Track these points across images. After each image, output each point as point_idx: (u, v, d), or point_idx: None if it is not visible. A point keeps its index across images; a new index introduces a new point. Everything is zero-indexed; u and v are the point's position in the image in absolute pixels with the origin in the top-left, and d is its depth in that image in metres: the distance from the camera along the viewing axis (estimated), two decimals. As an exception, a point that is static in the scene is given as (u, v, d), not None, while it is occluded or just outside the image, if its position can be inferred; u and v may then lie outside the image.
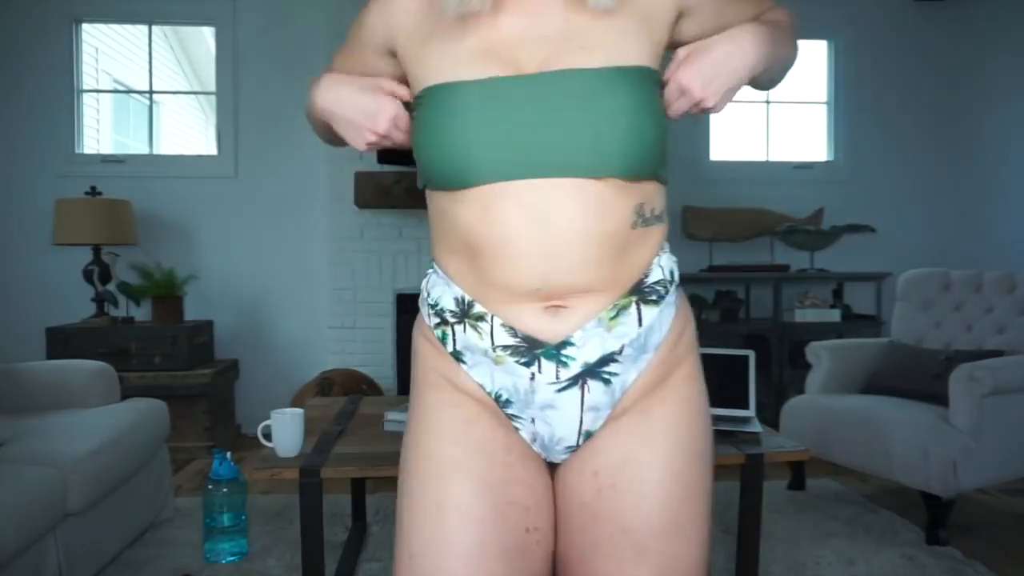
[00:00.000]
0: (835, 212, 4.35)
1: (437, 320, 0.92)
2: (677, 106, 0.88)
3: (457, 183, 0.84)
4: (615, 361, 0.87)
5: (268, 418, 1.84)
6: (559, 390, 0.87)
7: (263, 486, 2.97)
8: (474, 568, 0.83)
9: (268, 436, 1.84)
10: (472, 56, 0.84)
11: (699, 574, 0.89)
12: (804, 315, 4.00)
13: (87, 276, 3.70)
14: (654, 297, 0.89)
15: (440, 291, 0.91)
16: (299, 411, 1.86)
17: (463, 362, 0.91)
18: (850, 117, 4.47)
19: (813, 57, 4.56)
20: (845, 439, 2.68)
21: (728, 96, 0.87)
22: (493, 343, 0.87)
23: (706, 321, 4.02)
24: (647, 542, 0.86)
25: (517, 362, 0.86)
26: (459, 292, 0.89)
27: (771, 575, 2.21)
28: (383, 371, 3.89)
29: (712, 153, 4.43)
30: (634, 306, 0.87)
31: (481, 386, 0.90)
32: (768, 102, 4.50)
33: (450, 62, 0.85)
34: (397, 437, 1.98)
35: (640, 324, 0.87)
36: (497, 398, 0.90)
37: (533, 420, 0.89)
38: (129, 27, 4.58)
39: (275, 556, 2.33)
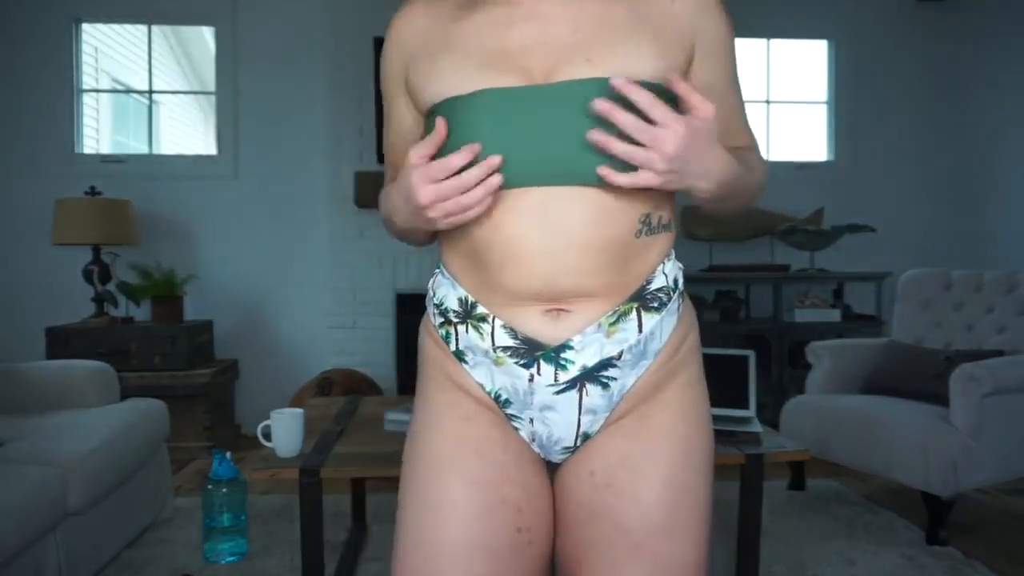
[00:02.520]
0: (835, 212, 4.35)
1: (441, 320, 0.94)
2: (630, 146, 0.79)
3: None
4: (614, 366, 0.88)
5: (268, 418, 1.84)
6: (557, 392, 0.88)
7: (263, 486, 2.97)
8: (462, 566, 0.84)
9: (268, 436, 1.84)
10: (481, 67, 0.85)
11: (697, 575, 0.88)
12: (804, 315, 4.00)
13: (87, 276, 3.70)
14: (655, 304, 0.89)
15: (445, 291, 0.93)
16: (299, 411, 1.86)
17: (464, 361, 0.92)
18: (850, 117, 4.47)
19: (813, 57, 4.56)
20: (845, 439, 2.68)
21: (671, 184, 0.81)
22: (494, 344, 0.88)
23: (706, 321, 4.02)
24: (644, 541, 0.86)
25: (516, 363, 0.87)
26: (463, 293, 0.91)
27: (771, 575, 2.21)
28: (383, 371, 3.89)
29: (712, 153, 4.42)
30: (635, 312, 0.88)
31: (481, 385, 0.91)
32: (768, 102, 4.50)
33: (461, 74, 0.85)
34: (397, 437, 1.99)
35: (640, 330, 0.88)
36: (497, 398, 0.91)
37: (532, 420, 0.90)
38: (129, 27, 4.57)
39: (275, 556, 2.33)
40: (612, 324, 0.86)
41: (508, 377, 0.89)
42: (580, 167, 0.81)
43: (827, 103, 4.54)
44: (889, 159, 4.50)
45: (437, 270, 0.97)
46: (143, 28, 4.25)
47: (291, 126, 4.08)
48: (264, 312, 4.13)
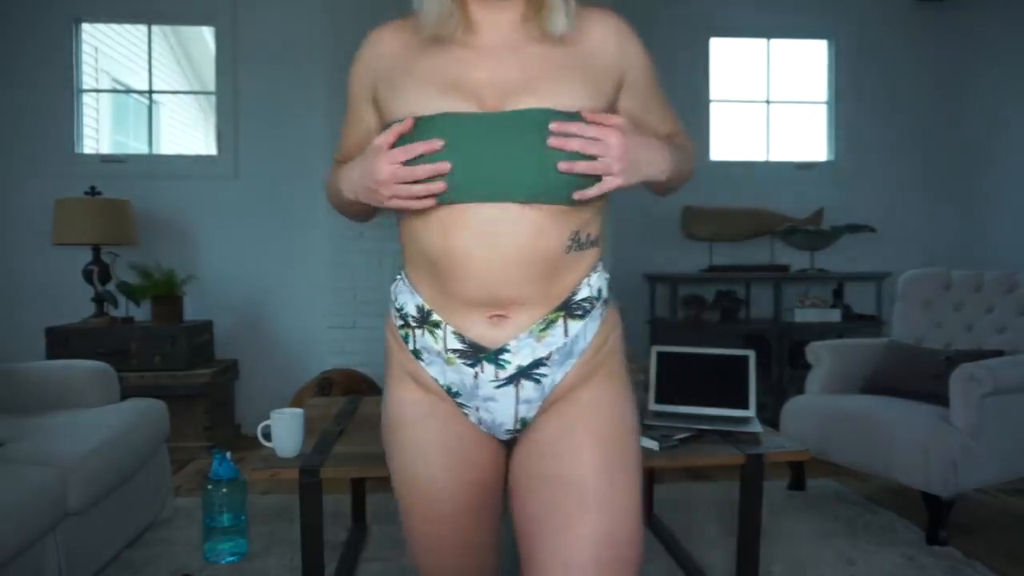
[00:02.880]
0: (835, 212, 4.35)
1: (401, 322, 1.09)
2: (588, 153, 0.94)
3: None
4: (544, 365, 1.03)
5: (268, 418, 1.84)
6: (498, 387, 1.04)
7: (263, 486, 2.97)
8: (450, 530, 1.10)
9: (268, 436, 1.84)
10: (443, 94, 0.97)
11: (633, 517, 1.02)
12: (804, 315, 4.00)
13: (87, 276, 3.70)
14: (580, 312, 1.03)
15: (405, 298, 1.08)
16: (299, 411, 1.86)
17: (420, 359, 1.08)
18: (850, 117, 4.47)
19: (813, 57, 4.56)
20: (845, 439, 2.68)
21: (631, 178, 0.97)
22: (446, 347, 1.03)
23: (706, 321, 4.02)
24: (588, 491, 1.00)
25: (464, 363, 1.03)
26: (420, 302, 1.05)
27: (771, 575, 2.21)
28: (383, 371, 3.87)
29: (712, 153, 4.43)
30: (561, 320, 1.02)
31: (435, 380, 1.07)
32: (768, 102, 4.50)
33: (425, 97, 0.98)
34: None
35: (566, 335, 1.02)
36: (448, 390, 1.07)
37: (478, 409, 1.07)
38: (129, 27, 4.58)
39: (275, 556, 2.33)
40: (542, 330, 1.01)
41: (457, 374, 1.04)
42: (521, 186, 0.93)
43: (827, 103, 4.55)
44: (889, 159, 4.50)
45: (399, 276, 1.11)
46: (143, 28, 4.25)
47: (291, 126, 4.08)
48: (264, 312, 4.13)
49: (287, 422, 1.82)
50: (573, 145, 0.92)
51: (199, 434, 3.55)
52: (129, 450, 2.25)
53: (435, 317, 1.03)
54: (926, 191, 4.52)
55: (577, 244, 1.00)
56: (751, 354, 2.13)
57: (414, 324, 1.06)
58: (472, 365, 1.03)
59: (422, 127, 0.95)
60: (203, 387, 3.53)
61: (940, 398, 2.57)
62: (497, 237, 0.95)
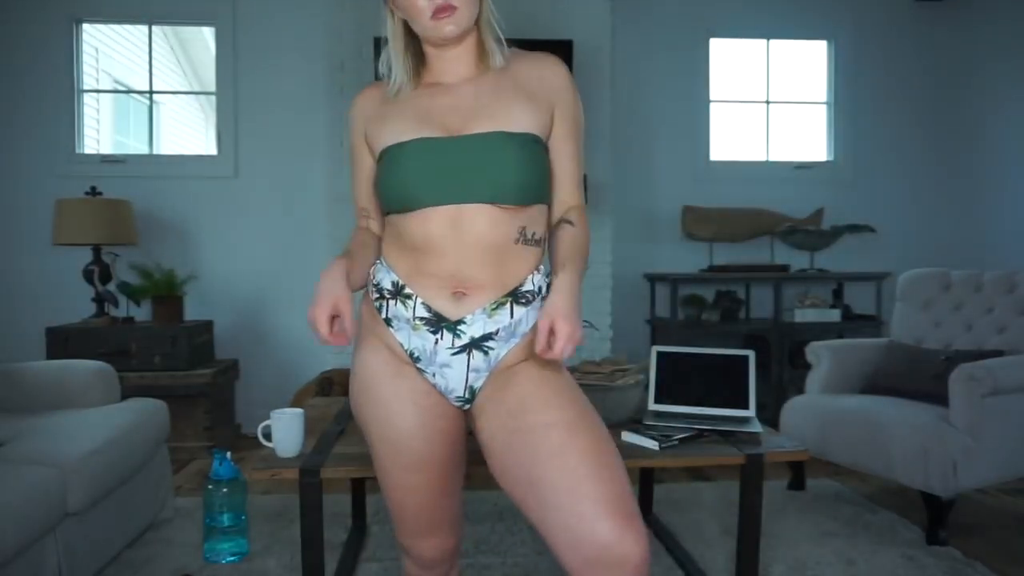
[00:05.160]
0: (835, 212, 4.36)
1: (377, 295, 1.30)
2: (555, 348, 1.14)
3: (405, 207, 1.23)
4: (492, 339, 1.25)
5: (268, 418, 1.84)
6: (453, 354, 1.25)
7: (263, 486, 2.97)
8: (420, 477, 1.28)
9: (268, 436, 1.84)
10: (413, 124, 1.24)
11: (606, 433, 1.19)
12: (804, 315, 4.00)
13: (87, 276, 3.70)
14: (523, 301, 1.26)
15: (382, 276, 1.30)
16: (299, 411, 1.86)
17: (391, 326, 1.28)
18: (850, 117, 4.48)
19: (813, 57, 4.56)
20: (845, 439, 2.68)
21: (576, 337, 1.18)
22: (414, 315, 1.25)
23: (706, 321, 4.02)
24: (551, 420, 1.17)
25: (427, 330, 1.25)
26: (395, 278, 1.27)
27: (771, 575, 2.21)
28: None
29: (712, 153, 4.43)
30: (509, 304, 1.24)
31: (401, 344, 1.27)
32: (768, 102, 4.50)
33: (400, 129, 1.24)
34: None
35: (512, 316, 1.25)
36: (411, 355, 1.27)
37: (434, 374, 1.27)
38: (129, 27, 4.58)
39: (275, 556, 2.33)
40: (493, 310, 1.24)
41: (421, 340, 1.25)
42: (482, 191, 1.20)
43: (827, 103, 4.55)
44: (889, 159, 4.50)
45: (378, 261, 1.33)
46: (143, 28, 4.25)
47: (291, 126, 4.08)
48: (264, 312, 4.13)
49: (287, 422, 1.82)
50: (556, 349, 1.14)
51: (199, 434, 3.55)
52: (129, 450, 2.25)
53: (408, 291, 1.26)
54: (926, 191, 4.52)
55: (523, 238, 1.24)
56: (751, 354, 2.13)
57: (388, 296, 1.28)
58: (434, 332, 1.24)
59: (400, 152, 1.23)
60: (203, 387, 3.53)
61: (940, 398, 2.57)
62: (461, 229, 1.20)
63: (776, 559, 2.32)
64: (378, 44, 3.83)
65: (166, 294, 3.68)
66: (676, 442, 1.90)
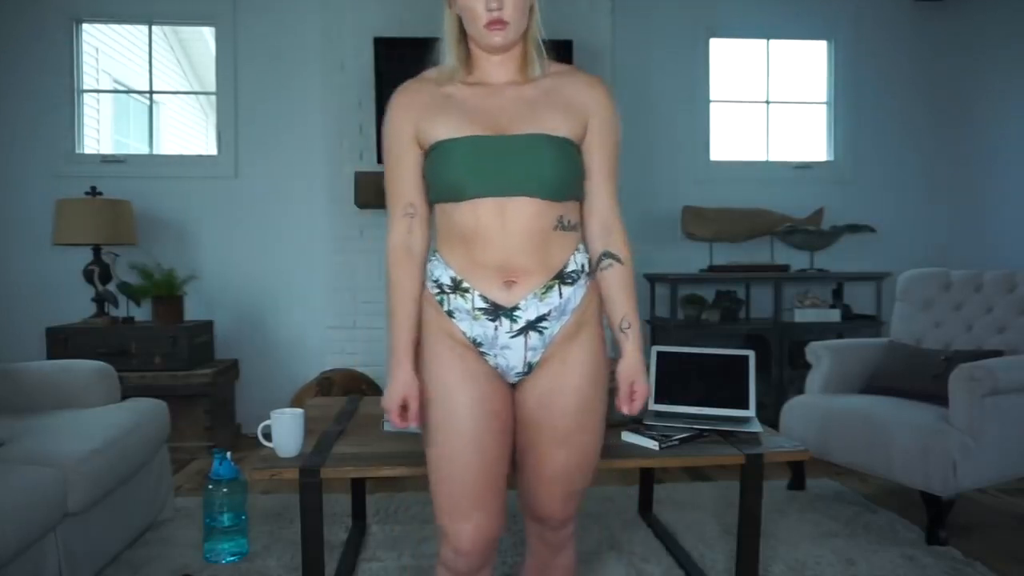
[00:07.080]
0: (835, 212, 4.35)
1: (437, 290, 1.43)
2: (633, 405, 1.45)
3: (456, 198, 1.35)
4: (545, 320, 1.39)
5: (268, 418, 1.84)
6: (512, 337, 1.39)
7: (263, 486, 2.97)
8: (473, 449, 1.36)
9: (268, 436, 1.84)
10: (464, 122, 1.37)
11: (595, 453, 1.47)
12: (804, 315, 4.00)
13: (87, 276, 3.70)
14: (570, 280, 1.41)
15: (440, 272, 1.42)
16: (299, 411, 1.86)
17: (453, 317, 1.41)
18: (850, 117, 4.48)
19: (813, 57, 4.56)
20: (845, 439, 2.68)
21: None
22: (473, 307, 1.39)
23: (706, 321, 4.02)
24: (566, 435, 1.42)
25: (487, 319, 1.39)
26: (453, 273, 1.40)
27: (771, 575, 2.21)
28: (383, 371, 3.88)
29: (712, 153, 4.43)
30: (557, 286, 1.39)
31: (464, 333, 1.41)
32: (768, 102, 4.50)
33: (454, 126, 1.37)
34: (397, 437, 1.99)
35: (561, 297, 1.39)
36: (474, 340, 1.41)
37: (495, 356, 1.41)
38: (129, 27, 4.58)
39: (275, 556, 2.34)
40: (544, 293, 1.38)
41: (482, 328, 1.39)
42: (525, 185, 1.34)
43: (827, 103, 4.55)
44: (889, 159, 4.50)
45: (433, 257, 1.45)
46: (143, 28, 4.25)
47: (291, 126, 4.08)
48: (264, 312, 4.13)
49: (287, 422, 1.82)
50: (632, 407, 1.46)
51: (199, 434, 3.55)
52: (129, 450, 2.25)
53: (465, 284, 1.39)
54: (926, 191, 4.52)
55: (562, 225, 1.38)
56: (751, 354, 2.13)
57: (448, 290, 1.40)
58: (493, 320, 1.38)
59: (451, 147, 1.35)
60: (203, 387, 3.53)
61: (940, 398, 2.57)
62: (507, 219, 1.34)
63: (776, 559, 2.32)
64: (378, 44, 3.84)
65: (166, 294, 3.68)
66: (676, 442, 1.90)
